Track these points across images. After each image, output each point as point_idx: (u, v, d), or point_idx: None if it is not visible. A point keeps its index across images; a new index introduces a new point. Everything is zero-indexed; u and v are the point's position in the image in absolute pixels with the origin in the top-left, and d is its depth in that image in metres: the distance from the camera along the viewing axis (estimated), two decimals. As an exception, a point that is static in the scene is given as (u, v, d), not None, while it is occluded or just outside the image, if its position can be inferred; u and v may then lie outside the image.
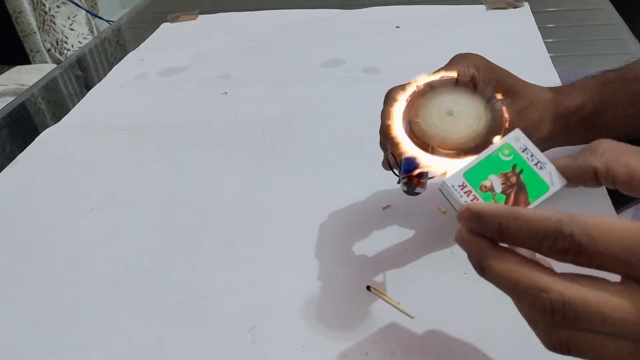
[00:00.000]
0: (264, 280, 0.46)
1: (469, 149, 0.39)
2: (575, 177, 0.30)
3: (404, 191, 0.41)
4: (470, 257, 0.29)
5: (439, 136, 0.33)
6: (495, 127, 0.41)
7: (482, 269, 0.28)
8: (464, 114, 0.33)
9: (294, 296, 0.44)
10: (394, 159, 0.41)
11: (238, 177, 0.59)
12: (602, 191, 0.51)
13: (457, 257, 0.46)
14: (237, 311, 0.43)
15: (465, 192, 0.30)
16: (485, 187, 0.30)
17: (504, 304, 0.41)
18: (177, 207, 0.56)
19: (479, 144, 0.35)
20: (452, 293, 0.43)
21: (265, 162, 0.61)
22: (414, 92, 0.41)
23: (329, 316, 0.42)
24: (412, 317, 0.41)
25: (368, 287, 0.44)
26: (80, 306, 0.45)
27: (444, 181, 0.31)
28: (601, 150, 0.29)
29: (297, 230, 0.51)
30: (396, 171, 0.42)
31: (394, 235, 0.48)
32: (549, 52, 0.77)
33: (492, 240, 0.28)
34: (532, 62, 0.74)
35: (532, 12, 0.91)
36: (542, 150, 0.40)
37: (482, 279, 0.43)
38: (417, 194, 0.41)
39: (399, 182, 0.41)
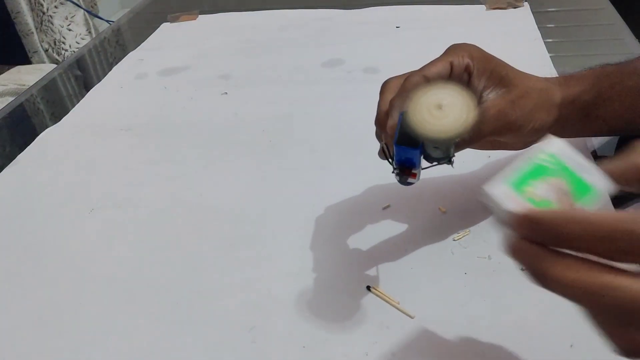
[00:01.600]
0: (264, 280, 0.46)
1: (459, 141, 0.39)
2: (621, 179, 0.29)
3: (398, 181, 0.42)
4: (527, 267, 0.27)
5: (426, 130, 0.33)
6: (488, 119, 0.41)
7: (545, 278, 0.26)
8: (453, 108, 0.33)
9: (294, 296, 0.44)
10: (387, 150, 0.42)
11: (238, 177, 0.59)
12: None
13: (457, 257, 0.46)
14: (237, 311, 0.43)
15: (511, 200, 0.29)
16: (533, 194, 0.29)
17: (504, 303, 0.41)
18: (177, 207, 0.56)
19: (470, 137, 0.35)
20: (452, 293, 0.43)
21: (265, 162, 0.61)
22: (409, 83, 0.41)
23: (329, 316, 0.42)
24: (412, 317, 0.41)
25: (368, 287, 0.44)
26: (80, 306, 0.45)
27: (486, 189, 0.30)
28: None
29: (297, 230, 0.51)
30: (390, 161, 0.42)
31: (394, 235, 0.48)
32: (549, 52, 0.77)
33: (549, 248, 0.26)
34: (532, 62, 0.74)
35: (532, 12, 0.91)
36: (537, 141, 0.40)
37: (482, 279, 0.43)
38: (410, 184, 0.41)
39: (392, 172, 0.41)
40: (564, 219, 0.25)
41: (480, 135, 0.41)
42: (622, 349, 0.26)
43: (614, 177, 0.29)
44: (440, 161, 0.39)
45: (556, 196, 0.28)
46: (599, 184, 0.28)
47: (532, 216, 0.26)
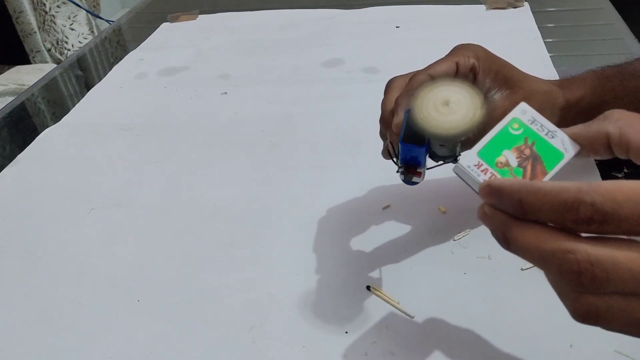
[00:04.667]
0: (264, 280, 0.46)
1: (466, 140, 0.38)
2: (588, 144, 0.30)
3: (402, 180, 0.41)
4: (493, 232, 0.28)
5: (433, 126, 0.33)
6: (493, 119, 0.41)
7: (507, 241, 0.27)
8: (460, 105, 0.33)
9: (294, 296, 0.44)
10: (392, 149, 0.42)
11: (238, 177, 0.59)
12: (593, 169, 0.51)
13: (457, 257, 0.46)
14: (237, 311, 0.43)
15: (482, 171, 0.30)
16: (501, 163, 0.30)
17: (504, 303, 0.41)
18: (177, 207, 0.56)
19: (475, 138, 0.34)
20: (452, 293, 0.43)
21: (265, 162, 0.61)
22: (414, 82, 0.41)
23: (329, 316, 0.42)
24: (412, 317, 0.41)
25: (368, 287, 0.44)
26: (80, 306, 0.45)
27: (458, 162, 0.31)
28: (616, 117, 0.29)
29: (297, 230, 0.51)
30: (395, 160, 0.42)
31: (394, 235, 0.48)
32: (549, 52, 0.77)
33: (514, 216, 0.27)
34: (532, 62, 0.74)
35: (532, 12, 0.91)
36: None
37: (482, 279, 0.43)
38: (415, 183, 0.41)
39: (397, 171, 0.41)
40: (523, 189, 0.26)
41: (483, 135, 0.41)
42: (577, 314, 0.26)
43: (582, 142, 0.30)
44: (446, 160, 0.39)
45: (526, 163, 0.30)
46: (566, 148, 0.30)
47: (494, 186, 0.27)
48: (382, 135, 0.45)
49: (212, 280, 0.46)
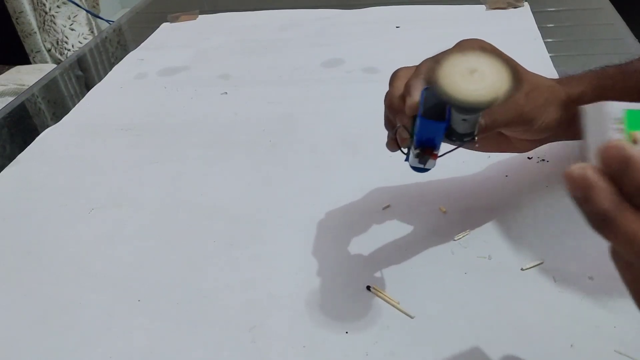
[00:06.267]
0: (264, 280, 0.46)
1: (494, 109, 0.35)
2: None
3: (413, 167, 0.40)
4: (592, 206, 0.23)
5: (462, 93, 0.30)
6: (501, 111, 0.40)
7: (607, 221, 0.23)
8: (487, 73, 0.31)
9: (294, 296, 0.44)
10: (406, 132, 0.40)
11: (238, 177, 0.59)
12: None
13: (457, 257, 0.46)
14: (237, 311, 0.43)
15: (617, 129, 0.25)
16: (635, 138, 0.25)
17: (504, 303, 0.41)
18: (177, 207, 0.56)
19: (485, 125, 0.33)
20: (452, 293, 0.43)
21: (265, 162, 0.61)
22: (424, 66, 0.39)
23: (329, 316, 0.42)
24: (412, 317, 0.41)
25: (368, 287, 0.44)
26: (80, 306, 0.45)
27: (601, 104, 0.25)
28: None
29: (297, 230, 0.51)
30: (404, 149, 0.41)
31: (394, 235, 0.48)
32: (549, 52, 0.77)
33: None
34: (532, 62, 0.73)
35: (532, 12, 0.91)
36: (543, 142, 0.38)
37: (482, 279, 0.43)
38: (427, 170, 0.40)
39: (406, 160, 0.40)
40: None
41: (494, 124, 0.40)
42: None
43: None
44: (465, 138, 0.37)
45: None
46: None
47: (626, 152, 0.23)
48: (389, 124, 0.44)
49: (212, 280, 0.46)
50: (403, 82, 0.40)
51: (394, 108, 0.41)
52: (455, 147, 0.40)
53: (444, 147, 0.39)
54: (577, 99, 0.46)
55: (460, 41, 0.44)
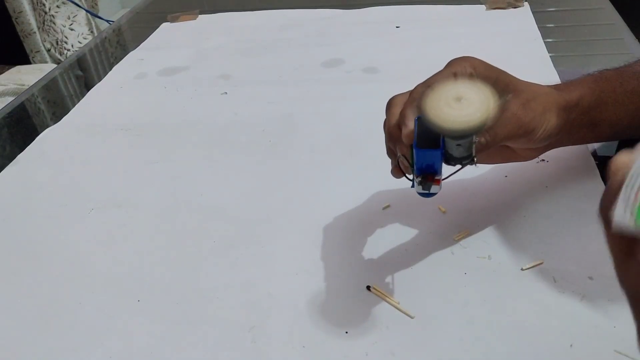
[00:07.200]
0: (264, 280, 0.46)
1: (477, 144, 0.37)
2: None
3: (419, 193, 0.40)
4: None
5: (448, 122, 0.32)
6: (501, 124, 0.40)
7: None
8: (472, 99, 0.32)
9: (294, 296, 0.44)
10: (406, 161, 0.41)
11: (238, 177, 0.59)
12: (593, 169, 0.52)
13: (457, 257, 0.46)
14: (237, 311, 0.43)
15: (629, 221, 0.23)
16: None
17: (504, 303, 0.41)
18: (177, 207, 0.56)
19: (487, 142, 0.33)
20: (452, 293, 0.43)
21: (265, 162, 0.61)
22: (416, 93, 0.41)
23: (329, 316, 0.42)
24: (412, 317, 0.41)
25: (368, 287, 0.44)
26: (80, 306, 0.45)
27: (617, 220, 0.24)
28: None
29: (297, 230, 0.51)
30: (409, 176, 0.42)
31: (394, 235, 0.48)
32: (549, 52, 0.77)
33: None
34: (532, 62, 0.74)
35: (532, 12, 0.91)
36: (547, 149, 0.37)
37: (482, 279, 0.43)
38: (433, 194, 0.40)
39: (412, 186, 0.41)
40: None
41: (495, 140, 0.40)
42: None
43: None
44: (463, 162, 0.38)
45: None
46: None
47: None
48: (391, 153, 0.44)
49: (212, 280, 0.46)
50: (399, 110, 0.41)
51: (392, 137, 0.42)
52: (457, 169, 0.40)
53: (448, 169, 0.39)
54: (577, 103, 0.46)
55: (451, 61, 0.43)
